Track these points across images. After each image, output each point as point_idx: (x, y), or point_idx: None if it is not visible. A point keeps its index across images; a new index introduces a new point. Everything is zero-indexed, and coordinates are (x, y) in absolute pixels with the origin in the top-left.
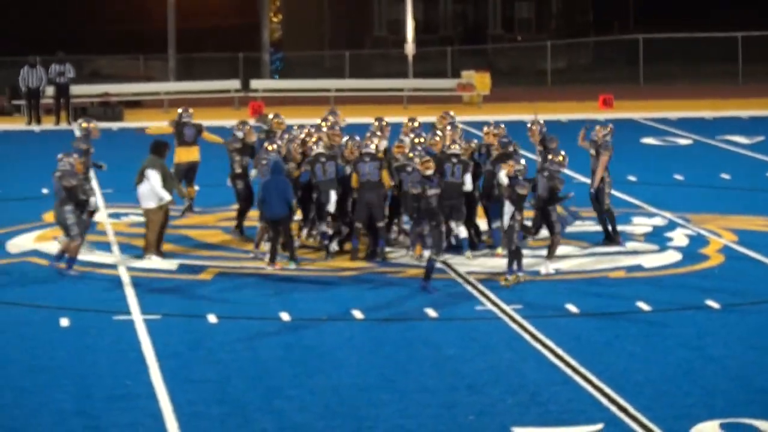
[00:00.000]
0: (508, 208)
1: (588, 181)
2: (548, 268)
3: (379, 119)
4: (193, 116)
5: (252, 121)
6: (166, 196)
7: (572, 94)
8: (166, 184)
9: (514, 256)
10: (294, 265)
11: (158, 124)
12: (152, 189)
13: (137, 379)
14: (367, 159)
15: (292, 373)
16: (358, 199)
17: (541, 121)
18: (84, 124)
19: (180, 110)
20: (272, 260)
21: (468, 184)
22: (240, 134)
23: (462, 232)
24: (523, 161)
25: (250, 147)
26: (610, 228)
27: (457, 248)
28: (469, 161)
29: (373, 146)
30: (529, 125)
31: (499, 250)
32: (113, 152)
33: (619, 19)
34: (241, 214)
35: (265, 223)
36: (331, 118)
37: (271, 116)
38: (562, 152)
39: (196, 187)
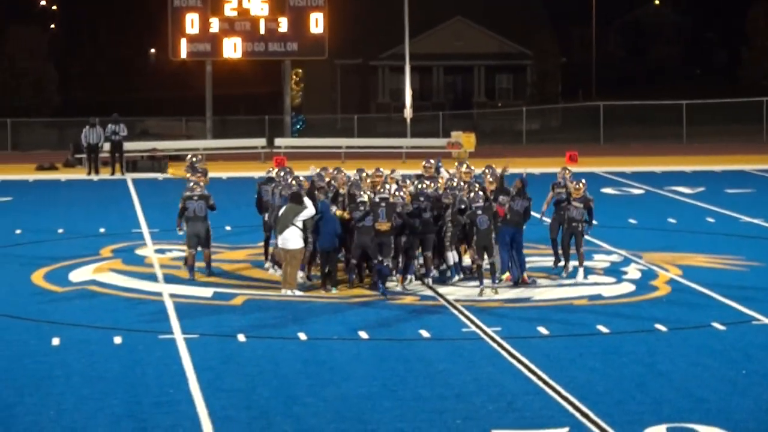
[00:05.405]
0: None
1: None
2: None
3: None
4: None
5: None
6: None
7: (544, 152)
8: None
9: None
10: (335, 290)
11: None
12: (299, 230)
13: (178, 388)
14: (362, 208)
15: (308, 384)
16: (354, 241)
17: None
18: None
19: None
20: (324, 284)
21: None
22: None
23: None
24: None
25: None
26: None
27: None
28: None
29: (365, 197)
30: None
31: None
32: (159, 198)
33: (584, 88)
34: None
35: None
36: (334, 173)
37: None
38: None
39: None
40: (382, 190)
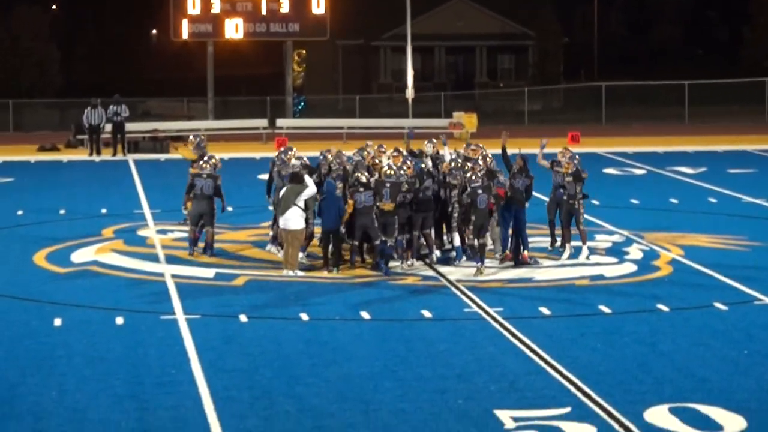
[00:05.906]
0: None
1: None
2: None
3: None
4: None
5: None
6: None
7: (545, 132)
8: (307, 206)
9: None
10: (336, 271)
11: None
12: (300, 211)
13: (180, 369)
14: (362, 189)
15: (310, 364)
16: (356, 222)
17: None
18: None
19: None
20: (326, 265)
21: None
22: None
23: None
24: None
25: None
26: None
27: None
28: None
29: (363, 178)
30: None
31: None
32: (161, 179)
33: (586, 68)
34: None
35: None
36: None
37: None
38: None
39: None
40: (385, 167)
